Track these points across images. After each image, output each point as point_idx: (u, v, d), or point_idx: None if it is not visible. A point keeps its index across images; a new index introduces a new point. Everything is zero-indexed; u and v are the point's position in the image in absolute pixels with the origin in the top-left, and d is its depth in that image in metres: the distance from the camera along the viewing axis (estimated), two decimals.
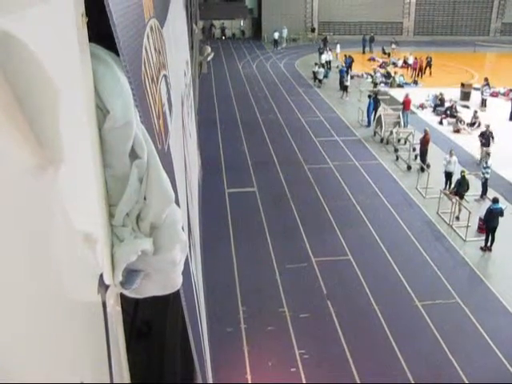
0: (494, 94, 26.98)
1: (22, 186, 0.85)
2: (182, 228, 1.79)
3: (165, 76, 2.51)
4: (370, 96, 22.70)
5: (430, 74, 32.09)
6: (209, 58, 23.26)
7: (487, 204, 13.67)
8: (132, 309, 3.57)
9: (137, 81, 1.63)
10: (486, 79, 25.96)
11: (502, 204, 13.17)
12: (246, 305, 10.40)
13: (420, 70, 31.81)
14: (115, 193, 1.46)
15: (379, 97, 23.12)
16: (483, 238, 12.78)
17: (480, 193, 15.40)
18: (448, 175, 15.64)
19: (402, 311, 10.39)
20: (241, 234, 13.09)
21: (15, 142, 0.83)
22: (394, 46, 38.19)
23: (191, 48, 10.29)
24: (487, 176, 15.25)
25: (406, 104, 21.80)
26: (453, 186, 14.84)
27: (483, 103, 25.34)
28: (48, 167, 0.95)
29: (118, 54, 1.48)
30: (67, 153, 1.05)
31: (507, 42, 43.09)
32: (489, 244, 12.60)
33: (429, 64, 32.41)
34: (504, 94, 27.15)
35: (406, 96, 22.01)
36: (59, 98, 1.00)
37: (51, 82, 0.97)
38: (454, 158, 15.60)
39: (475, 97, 25.99)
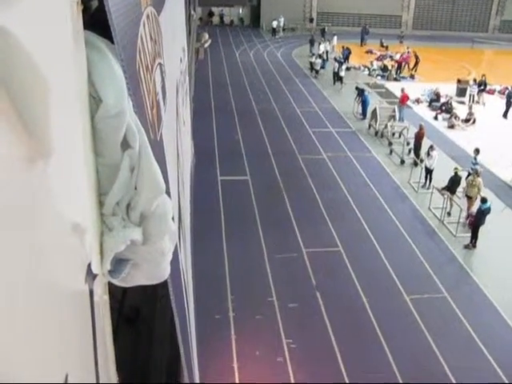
0: (491, 92, 27.05)
1: (10, 176, 0.84)
2: (172, 218, 1.79)
3: (160, 64, 2.50)
4: (363, 89, 22.72)
5: (409, 69, 31.59)
6: (206, 45, 23.15)
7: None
8: (120, 295, 3.58)
9: (131, 70, 1.62)
10: (483, 75, 26.03)
11: (489, 202, 13.23)
12: (234, 293, 10.44)
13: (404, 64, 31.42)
14: (106, 182, 1.46)
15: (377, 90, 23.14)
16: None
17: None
18: (428, 170, 15.66)
19: (390, 304, 10.47)
20: (232, 222, 13.10)
21: (3, 133, 0.83)
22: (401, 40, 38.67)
23: (189, 34, 10.22)
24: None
25: (402, 99, 21.76)
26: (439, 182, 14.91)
27: (471, 99, 25.43)
28: (37, 159, 0.95)
29: (112, 42, 1.47)
30: (58, 141, 1.04)
31: (505, 39, 43.07)
32: (473, 241, 12.74)
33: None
34: (500, 92, 27.21)
35: (402, 91, 21.99)
36: (49, 87, 0.98)
37: (40, 71, 0.95)
38: (435, 153, 15.63)
39: None
